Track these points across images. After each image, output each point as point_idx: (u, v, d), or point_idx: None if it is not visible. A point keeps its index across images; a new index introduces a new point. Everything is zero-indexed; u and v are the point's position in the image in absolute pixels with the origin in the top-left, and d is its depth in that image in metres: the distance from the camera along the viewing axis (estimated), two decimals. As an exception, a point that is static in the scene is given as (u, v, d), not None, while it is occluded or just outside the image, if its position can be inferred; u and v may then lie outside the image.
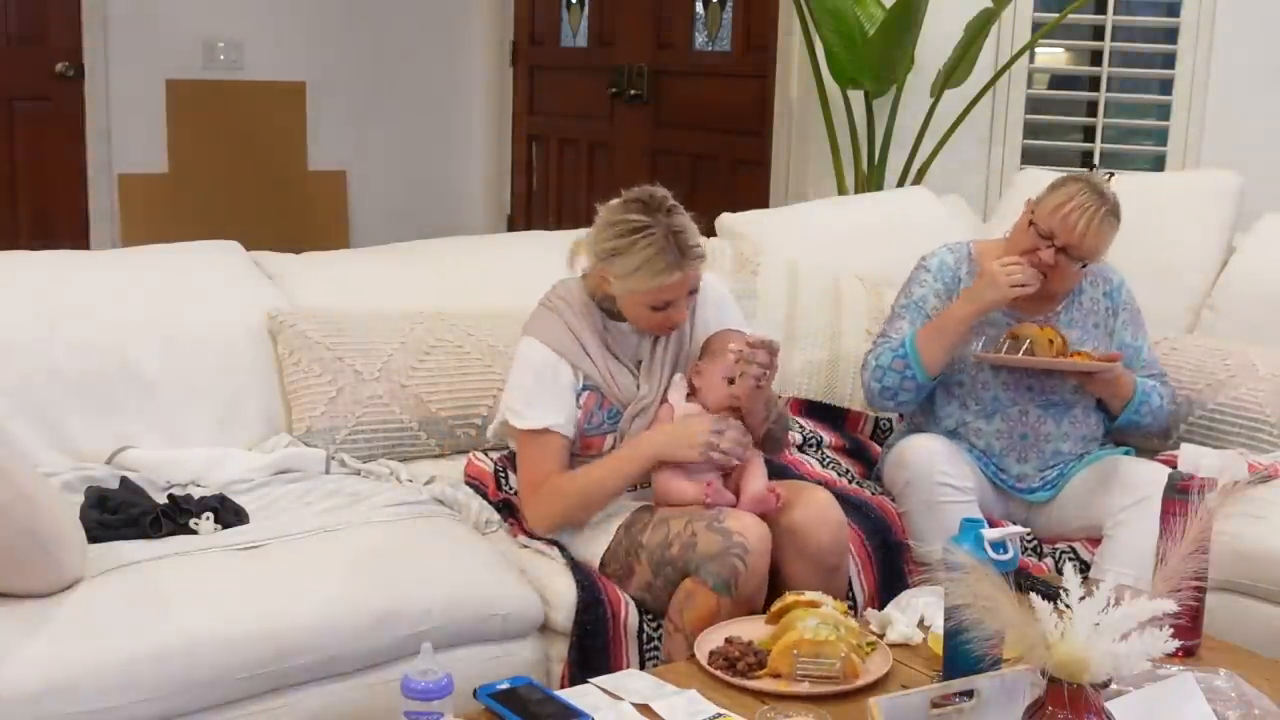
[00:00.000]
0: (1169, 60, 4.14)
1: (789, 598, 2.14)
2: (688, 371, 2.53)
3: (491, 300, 2.91)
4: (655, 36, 5.44)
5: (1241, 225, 3.45)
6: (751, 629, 2.13)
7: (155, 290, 2.76)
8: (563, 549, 2.47)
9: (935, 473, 2.67)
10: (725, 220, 3.44)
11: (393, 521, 2.45)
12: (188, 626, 2.06)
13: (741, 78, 5.04)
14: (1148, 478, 2.60)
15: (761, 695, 1.95)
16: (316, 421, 2.70)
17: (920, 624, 2.19)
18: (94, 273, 2.80)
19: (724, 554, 2.24)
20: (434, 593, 2.25)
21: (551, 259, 2.66)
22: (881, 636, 2.15)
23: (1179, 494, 2.09)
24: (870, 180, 4.15)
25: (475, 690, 1.92)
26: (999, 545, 1.95)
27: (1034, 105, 4.33)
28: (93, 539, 2.21)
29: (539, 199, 6.14)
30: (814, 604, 2.09)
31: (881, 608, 2.32)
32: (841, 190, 4.17)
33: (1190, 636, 2.03)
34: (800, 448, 2.95)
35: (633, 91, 5.49)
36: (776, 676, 1.99)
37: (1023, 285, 2.67)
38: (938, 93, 4.06)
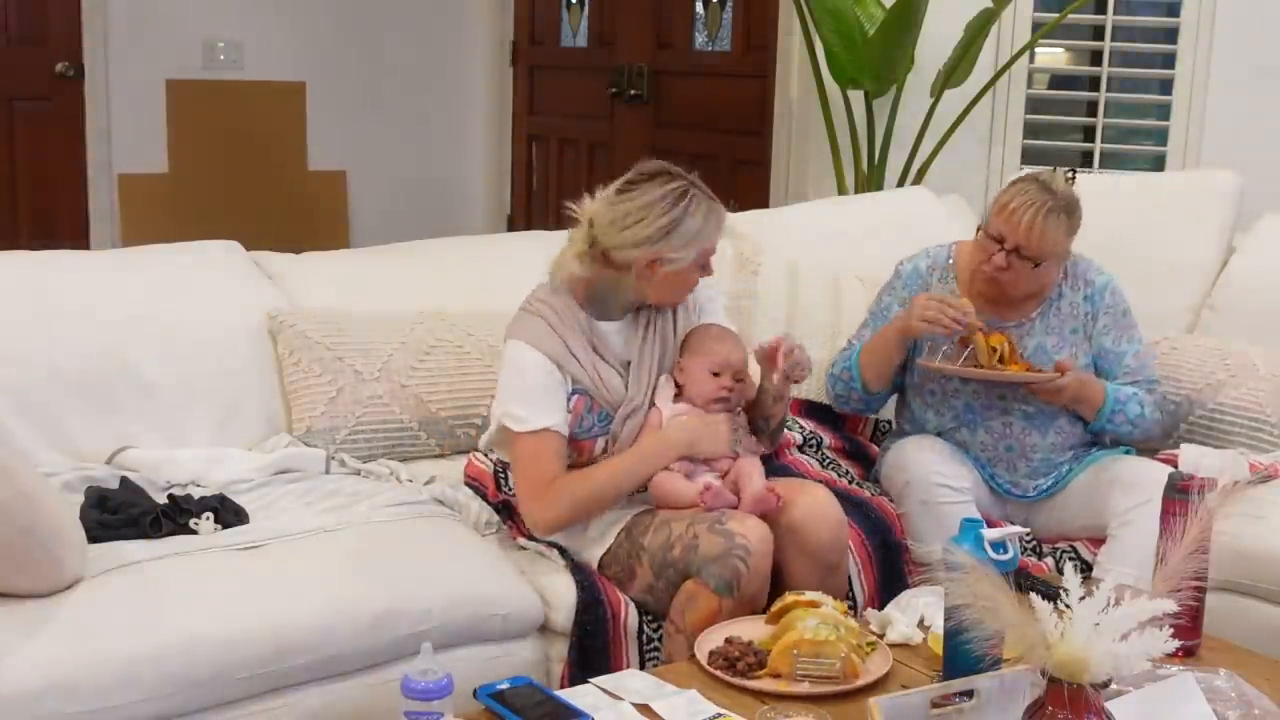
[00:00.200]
0: (1169, 60, 4.14)
1: (789, 598, 2.14)
2: (671, 370, 2.53)
3: (491, 300, 2.91)
4: (655, 36, 5.44)
5: (1241, 225, 3.45)
6: (751, 629, 2.13)
7: (155, 290, 2.76)
8: (562, 551, 2.47)
9: (932, 474, 2.67)
10: (725, 220, 3.44)
11: (393, 521, 2.45)
12: (188, 626, 2.06)
13: (741, 78, 5.04)
14: (1151, 477, 2.58)
15: (761, 695, 1.95)
16: (316, 421, 2.70)
17: (920, 624, 2.19)
18: (94, 273, 2.80)
19: (726, 555, 2.24)
20: (434, 593, 2.25)
21: (551, 259, 2.66)
22: (881, 636, 2.15)
23: (1179, 494, 2.09)
24: (870, 180, 4.15)
25: (475, 690, 1.92)
26: (999, 545, 1.95)
27: (1034, 105, 4.33)
28: (93, 539, 2.21)
29: (539, 199, 6.14)
30: (814, 604, 2.09)
31: (881, 608, 2.32)
32: (841, 190, 4.17)
33: (1190, 636, 2.02)
34: (800, 448, 2.95)
35: (633, 91, 5.49)
36: (776, 676, 1.99)
37: (931, 324, 2.65)
38: (938, 93, 4.06)
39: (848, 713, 1.90)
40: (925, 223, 3.45)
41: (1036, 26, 4.18)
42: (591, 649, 2.33)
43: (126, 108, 5.48)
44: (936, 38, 4.03)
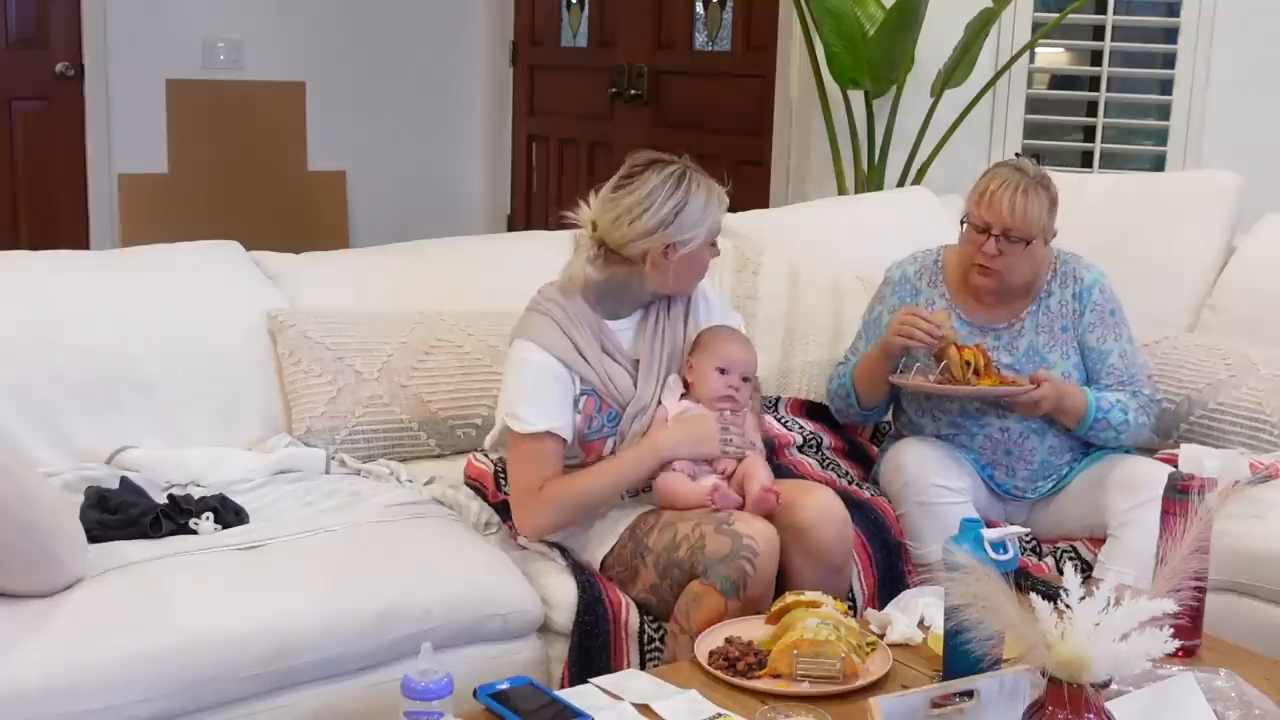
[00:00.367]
0: (1169, 60, 4.14)
1: (789, 598, 2.14)
2: (680, 369, 2.53)
3: (491, 300, 2.91)
4: (655, 36, 5.44)
5: (1241, 225, 3.45)
6: (751, 629, 2.13)
7: (155, 290, 2.76)
8: (564, 550, 2.47)
9: (930, 475, 2.66)
10: (725, 220, 3.43)
11: (393, 521, 2.44)
12: (188, 626, 2.06)
13: (741, 78, 5.05)
14: (1151, 477, 2.57)
15: (761, 695, 1.95)
16: (316, 421, 2.70)
17: (920, 624, 2.19)
18: (94, 273, 2.80)
19: (733, 557, 2.24)
20: (434, 593, 2.25)
21: (551, 259, 2.66)
22: (881, 636, 2.15)
23: (1179, 494, 2.08)
24: (870, 180, 4.15)
25: (475, 690, 1.92)
26: (999, 545, 1.95)
27: (1034, 105, 4.33)
28: (93, 539, 2.21)
29: (539, 199, 6.14)
30: (814, 604, 2.09)
31: (881, 608, 2.32)
32: (841, 190, 4.17)
33: (1190, 636, 2.02)
34: (800, 449, 2.95)
35: (633, 91, 5.49)
36: (776, 676, 1.98)
37: (906, 338, 2.65)
38: (938, 93, 4.06)
39: (848, 713, 1.90)
40: (925, 223, 3.45)
41: (1036, 26, 4.18)
42: (592, 649, 2.33)
43: (126, 108, 5.47)
44: (936, 38, 4.03)
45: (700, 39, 5.29)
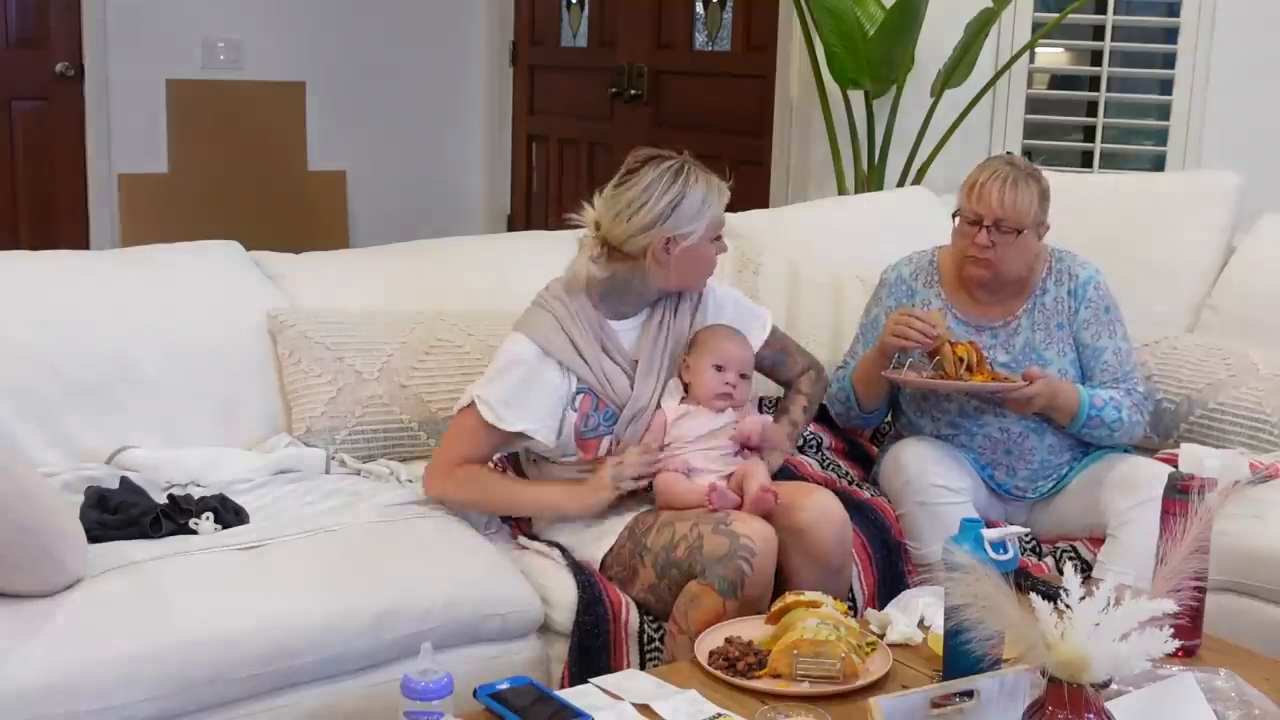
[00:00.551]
0: (1169, 60, 4.14)
1: (789, 598, 2.13)
2: (677, 368, 2.53)
3: (491, 300, 2.91)
4: (655, 36, 5.44)
5: (1241, 225, 3.45)
6: (751, 629, 2.13)
7: (155, 290, 2.76)
8: (563, 550, 2.47)
9: (929, 475, 2.67)
10: (726, 220, 3.44)
11: (393, 521, 2.44)
12: (188, 626, 2.06)
13: (741, 78, 5.04)
14: (1152, 477, 2.58)
15: (761, 695, 1.95)
16: (316, 421, 2.70)
17: (920, 624, 2.19)
18: (94, 273, 2.80)
19: (730, 556, 2.24)
20: (434, 593, 2.25)
21: (551, 259, 2.66)
22: (881, 636, 2.15)
23: (1179, 494, 2.08)
24: (870, 180, 4.15)
25: (475, 690, 1.92)
26: (999, 545, 1.95)
27: (1034, 105, 4.33)
28: (93, 539, 2.21)
29: (539, 199, 6.14)
30: (814, 604, 2.09)
31: (881, 608, 2.32)
32: (841, 190, 4.17)
33: (1190, 636, 2.02)
34: (800, 449, 2.95)
35: (633, 91, 5.49)
36: (776, 676, 1.98)
37: (900, 337, 2.65)
38: (938, 93, 4.06)
39: (848, 713, 1.90)
40: (925, 223, 3.45)
41: (1036, 26, 4.18)
42: (592, 649, 2.32)
43: (126, 108, 5.47)
44: (936, 38, 4.03)
45: (700, 39, 5.29)
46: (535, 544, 2.50)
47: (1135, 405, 2.75)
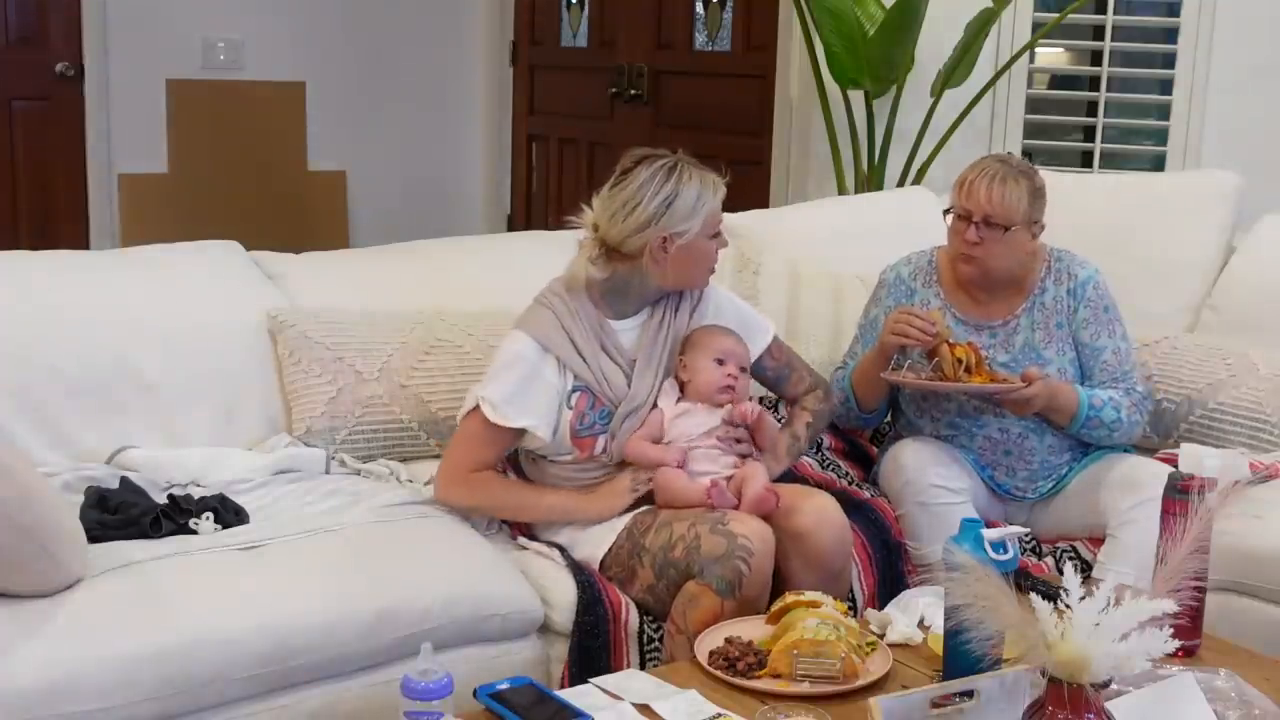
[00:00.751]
0: (1169, 60, 4.14)
1: (789, 598, 2.14)
2: (673, 368, 2.53)
3: (491, 300, 2.91)
4: (655, 36, 5.44)
5: (1241, 225, 3.45)
6: (751, 629, 2.13)
7: (155, 290, 2.76)
8: (563, 550, 2.47)
9: (929, 475, 2.67)
10: (726, 220, 3.44)
11: (393, 521, 2.44)
12: (188, 626, 2.06)
13: (741, 78, 5.04)
14: (1152, 477, 2.58)
15: (761, 695, 1.95)
16: (316, 421, 2.70)
17: (920, 624, 2.19)
18: (94, 273, 2.80)
19: (728, 556, 2.24)
20: (434, 593, 2.25)
21: (551, 259, 2.66)
22: (881, 636, 2.15)
23: (1179, 494, 2.08)
24: (870, 180, 4.15)
25: (475, 690, 1.92)
26: (999, 545, 1.95)
27: (1034, 105, 4.33)
28: (93, 539, 2.21)
29: (539, 199, 6.14)
30: (814, 604, 2.09)
31: (881, 608, 2.32)
32: (841, 190, 4.17)
33: (1190, 636, 2.02)
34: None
35: (633, 91, 5.49)
36: (776, 676, 1.98)
37: (900, 336, 2.65)
38: (938, 93, 4.06)
39: (848, 713, 1.90)
40: (925, 223, 3.44)
41: (1036, 26, 4.18)
42: (592, 649, 2.32)
43: (126, 108, 5.47)
44: (936, 38, 4.03)
45: (700, 39, 5.29)
46: (535, 544, 2.50)
47: (1134, 405, 2.75)
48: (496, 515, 2.55)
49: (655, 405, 2.50)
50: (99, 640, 2.00)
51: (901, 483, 2.70)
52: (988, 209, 2.66)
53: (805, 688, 1.95)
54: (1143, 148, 4.31)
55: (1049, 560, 2.70)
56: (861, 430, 3.08)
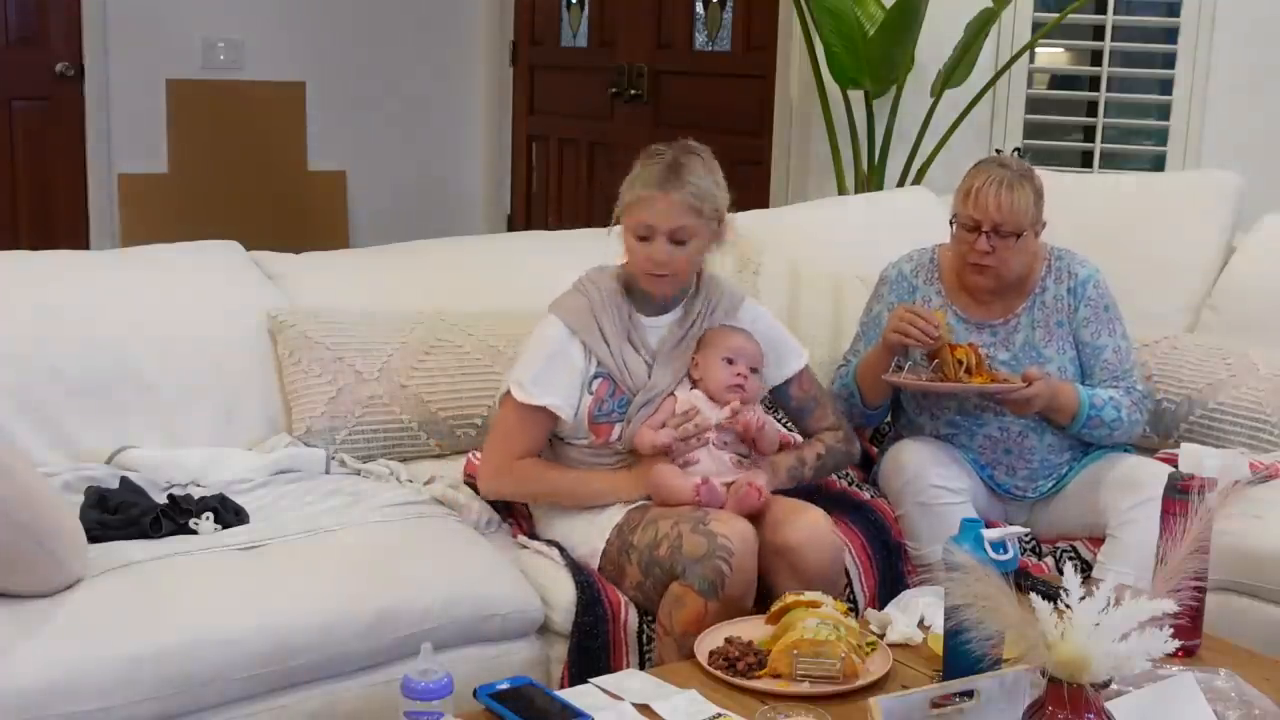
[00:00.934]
0: (1169, 60, 4.14)
1: (789, 598, 2.13)
2: (688, 368, 2.53)
3: (491, 300, 2.91)
4: (655, 36, 5.44)
5: (1241, 225, 3.45)
6: (751, 629, 2.13)
7: (155, 290, 2.76)
8: (561, 549, 2.47)
9: (929, 475, 2.66)
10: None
11: (392, 521, 2.45)
12: (188, 626, 2.06)
13: (741, 78, 5.05)
14: (1151, 477, 2.57)
15: (761, 695, 1.95)
16: (316, 421, 2.70)
17: (920, 624, 2.19)
18: (94, 273, 2.80)
19: (708, 556, 2.24)
20: (433, 593, 2.25)
21: (551, 259, 2.67)
22: (881, 636, 2.15)
23: (1179, 494, 2.08)
24: (870, 180, 4.15)
25: (475, 690, 1.92)
26: (999, 545, 1.95)
27: (1034, 105, 4.33)
28: (93, 539, 2.20)
29: (539, 199, 6.14)
30: (814, 604, 2.09)
31: (881, 608, 2.32)
32: (841, 190, 4.17)
33: (1190, 636, 2.02)
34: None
35: (633, 91, 5.49)
36: (776, 676, 1.99)
37: (904, 335, 2.64)
38: (938, 93, 4.06)
39: (848, 713, 1.90)
40: (925, 223, 3.44)
41: (1036, 26, 4.18)
42: (591, 649, 2.32)
43: (126, 108, 5.47)
44: (936, 38, 4.03)
45: (700, 39, 5.29)
46: (535, 543, 2.50)
47: (1135, 404, 2.75)
48: (546, 501, 2.55)
49: (672, 394, 2.50)
50: (99, 640, 2.00)
51: (901, 483, 2.70)
52: (997, 218, 2.65)
53: (805, 688, 1.95)
54: (1143, 148, 4.31)
55: (1049, 560, 2.70)
56: (863, 429, 3.08)
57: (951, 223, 2.74)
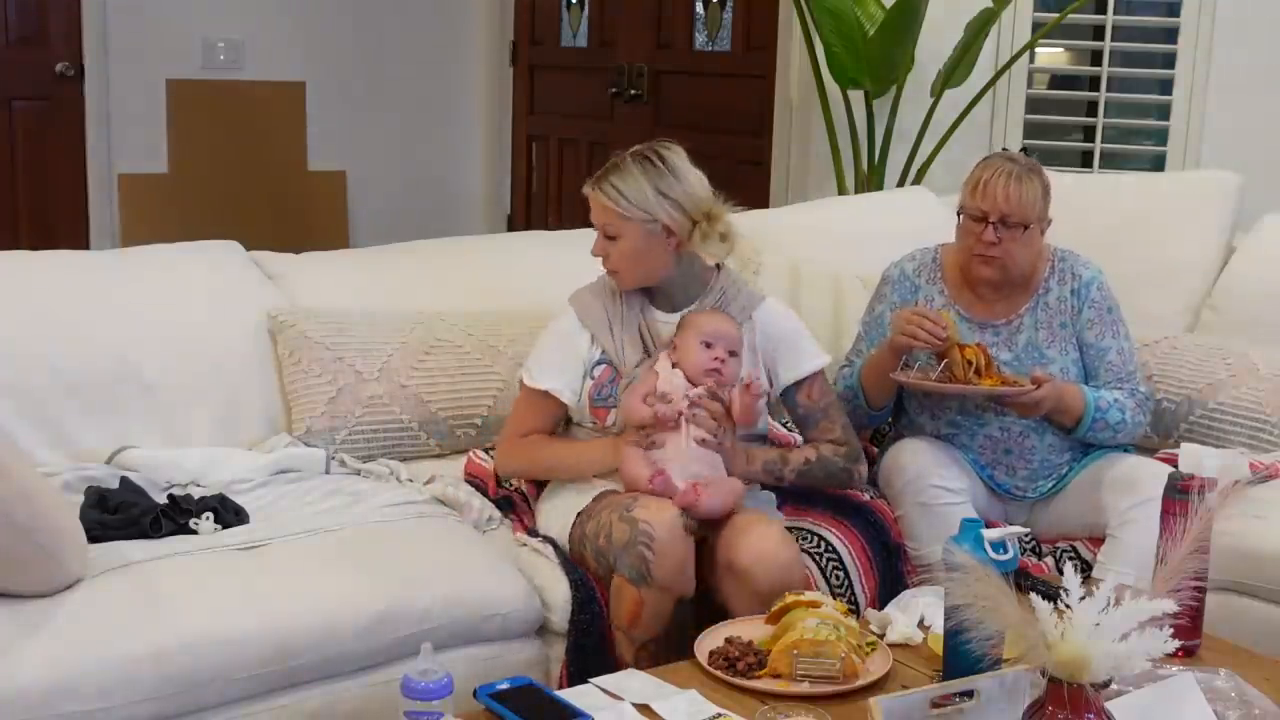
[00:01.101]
0: (1169, 60, 4.14)
1: (789, 597, 2.13)
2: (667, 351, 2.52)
3: (491, 300, 2.91)
4: (655, 36, 5.44)
5: (1241, 225, 3.45)
6: (751, 629, 2.13)
7: (155, 290, 2.76)
8: (557, 547, 2.46)
9: (928, 476, 2.66)
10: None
11: (392, 521, 2.45)
12: (188, 626, 2.06)
13: (741, 78, 5.05)
14: (1151, 477, 2.57)
15: (761, 695, 1.95)
16: (316, 421, 2.70)
17: (920, 624, 2.19)
18: (94, 273, 2.80)
19: (632, 544, 2.23)
20: (433, 593, 2.25)
21: (551, 259, 2.67)
22: (881, 636, 2.15)
23: (1179, 494, 2.08)
24: (870, 180, 4.15)
25: (475, 690, 1.92)
26: (999, 545, 1.95)
27: (1034, 105, 4.33)
28: (93, 539, 2.20)
29: (539, 199, 6.14)
30: (814, 604, 2.09)
31: (881, 608, 2.32)
32: (841, 190, 4.17)
33: (1190, 636, 2.02)
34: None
35: (633, 91, 5.49)
36: (776, 676, 1.98)
37: (911, 338, 2.63)
38: (938, 93, 4.06)
39: (848, 713, 1.90)
40: (925, 223, 3.44)
41: (1036, 26, 4.18)
42: (588, 647, 2.32)
43: (126, 108, 5.47)
44: (936, 38, 4.03)
45: (700, 39, 5.29)
46: (533, 540, 2.49)
47: (1138, 406, 2.76)
48: (551, 475, 2.59)
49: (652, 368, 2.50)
50: (99, 640, 2.00)
51: (901, 483, 2.70)
52: (1005, 209, 2.65)
53: (805, 688, 1.95)
54: (1143, 148, 4.31)
55: (1049, 560, 2.70)
56: (863, 430, 3.08)
57: (959, 214, 2.74)
